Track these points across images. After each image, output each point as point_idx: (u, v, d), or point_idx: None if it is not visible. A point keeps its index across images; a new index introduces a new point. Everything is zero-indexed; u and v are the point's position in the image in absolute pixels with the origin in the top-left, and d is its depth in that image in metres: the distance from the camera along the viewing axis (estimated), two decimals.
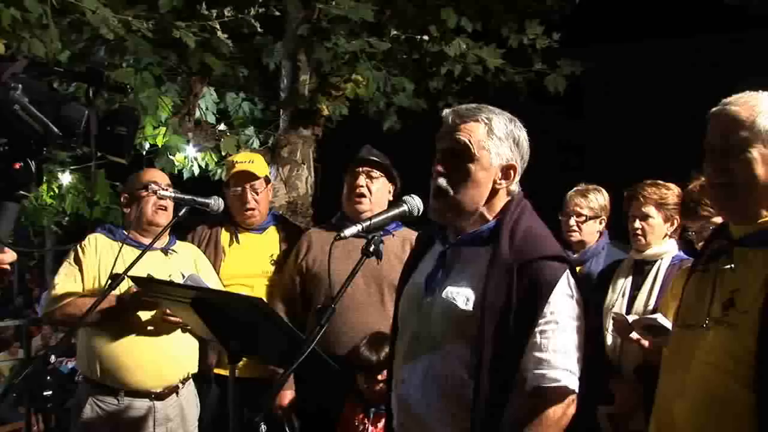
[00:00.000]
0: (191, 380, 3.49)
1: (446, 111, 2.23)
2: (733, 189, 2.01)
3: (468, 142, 2.15)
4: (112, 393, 3.27)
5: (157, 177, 3.49)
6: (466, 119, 2.17)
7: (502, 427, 2.08)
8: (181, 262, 3.47)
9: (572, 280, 2.15)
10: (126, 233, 3.40)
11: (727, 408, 1.92)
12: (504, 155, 2.18)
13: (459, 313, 2.13)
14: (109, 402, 3.27)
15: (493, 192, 2.20)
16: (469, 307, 2.12)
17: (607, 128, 8.32)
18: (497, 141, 2.16)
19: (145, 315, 3.27)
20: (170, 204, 3.42)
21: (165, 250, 3.45)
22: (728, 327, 1.95)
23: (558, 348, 2.09)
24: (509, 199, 2.24)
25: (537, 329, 2.08)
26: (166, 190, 3.35)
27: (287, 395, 3.49)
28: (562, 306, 2.11)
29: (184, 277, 3.34)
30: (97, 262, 3.34)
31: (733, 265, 2.02)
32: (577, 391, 2.10)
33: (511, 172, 2.21)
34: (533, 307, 2.08)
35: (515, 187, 2.24)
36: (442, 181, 2.17)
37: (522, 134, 2.23)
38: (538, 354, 2.08)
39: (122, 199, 3.53)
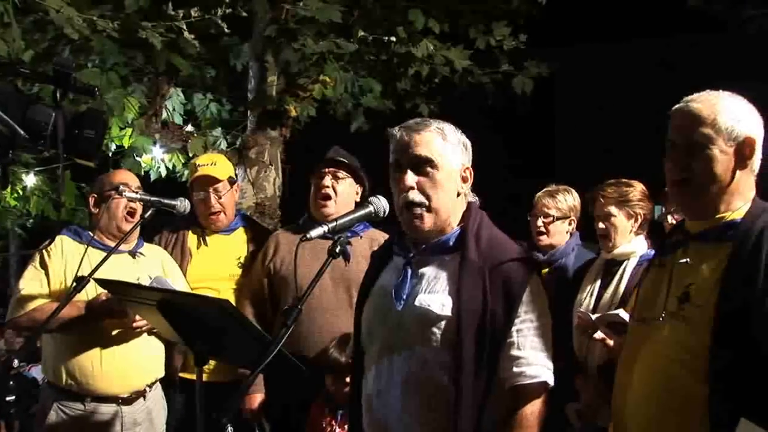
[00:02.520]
0: (158, 384, 3.47)
1: (394, 129, 2.28)
2: (693, 185, 2.05)
3: (430, 153, 2.20)
4: (78, 398, 3.23)
5: (127, 178, 3.45)
6: (420, 131, 2.22)
7: (483, 428, 2.12)
8: (148, 265, 3.44)
9: (539, 278, 2.23)
10: (92, 235, 3.36)
11: (681, 400, 1.97)
12: (459, 160, 2.25)
13: (436, 319, 2.16)
14: (74, 407, 3.24)
15: (457, 197, 2.27)
16: (447, 312, 2.15)
17: (576, 129, 8.41)
18: (452, 147, 2.24)
19: (112, 320, 3.23)
20: (139, 208, 3.38)
21: (132, 253, 3.42)
22: (683, 321, 2.00)
23: (535, 345, 2.15)
24: (467, 207, 2.31)
25: (513, 328, 2.14)
26: (136, 192, 3.31)
27: (257, 397, 3.48)
28: (534, 304, 2.17)
29: (151, 279, 3.31)
30: (64, 265, 3.29)
31: (689, 260, 2.06)
32: (552, 385, 2.17)
33: (468, 174, 2.28)
34: (508, 307, 2.14)
35: (470, 192, 2.32)
36: (415, 195, 2.21)
37: (466, 139, 2.30)
38: (515, 352, 2.14)
39: (90, 200, 3.48)
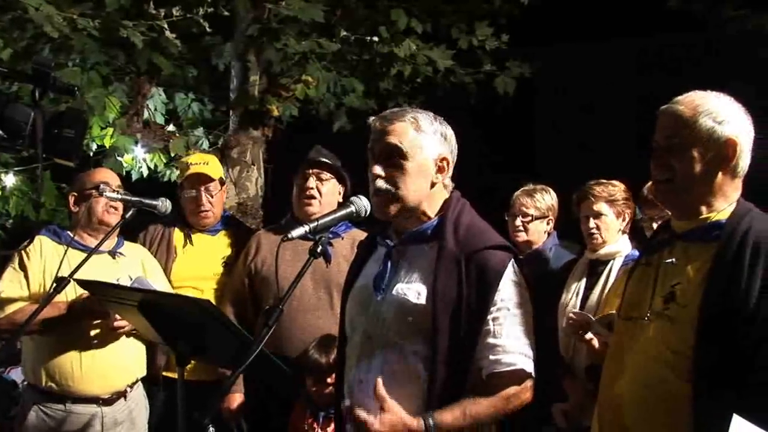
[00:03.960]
0: (140, 384, 3.45)
1: (372, 119, 2.30)
2: (675, 186, 2.07)
3: (399, 142, 2.21)
4: (58, 400, 3.21)
5: (108, 177, 3.43)
6: (394, 121, 2.24)
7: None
8: (128, 265, 3.43)
9: (518, 268, 2.22)
10: (71, 235, 3.33)
11: (666, 399, 1.98)
12: (435, 149, 2.26)
13: (412, 308, 2.17)
14: (55, 409, 3.22)
15: (432, 187, 2.27)
16: (422, 300, 2.16)
17: (556, 129, 8.45)
18: (426, 137, 2.24)
19: (93, 321, 3.21)
20: (120, 205, 3.37)
21: (112, 253, 3.40)
22: (668, 320, 2.02)
23: (511, 333, 2.14)
24: (448, 196, 2.31)
25: (489, 317, 2.14)
26: (116, 192, 3.29)
27: (236, 398, 3.47)
28: (511, 292, 2.17)
29: (131, 279, 3.30)
30: (43, 266, 3.26)
31: (674, 260, 2.08)
32: (533, 375, 2.16)
33: (445, 164, 2.28)
34: (484, 295, 2.14)
35: (449, 182, 2.32)
36: (381, 183, 2.23)
37: (449, 130, 2.31)
38: (492, 340, 2.13)
39: (70, 199, 3.44)
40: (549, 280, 3.61)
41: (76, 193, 3.42)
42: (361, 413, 2.09)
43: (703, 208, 2.07)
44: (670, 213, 2.25)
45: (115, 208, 3.37)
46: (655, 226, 3.11)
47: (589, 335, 3.00)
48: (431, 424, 2.06)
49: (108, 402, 3.28)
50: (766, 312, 1.86)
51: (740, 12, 6.27)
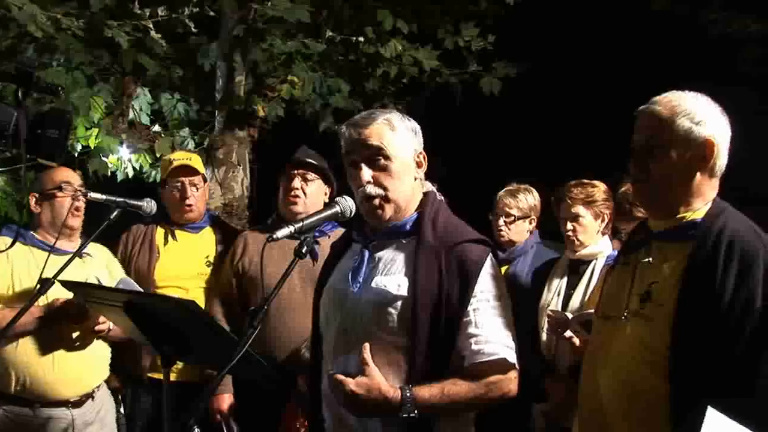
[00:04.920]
0: (104, 383, 3.42)
1: (343, 127, 2.30)
2: (652, 186, 2.09)
3: (381, 144, 2.22)
4: (26, 404, 3.16)
5: (70, 177, 3.37)
6: (368, 125, 2.24)
7: None
8: (95, 265, 3.39)
9: (495, 261, 2.25)
10: (35, 235, 3.30)
11: (644, 397, 2.01)
12: (411, 146, 2.28)
13: (392, 299, 2.17)
14: (22, 414, 3.17)
15: (414, 182, 2.30)
16: (403, 292, 2.16)
17: (539, 128, 8.46)
18: (401, 135, 2.26)
19: (64, 325, 3.17)
20: (83, 206, 3.34)
21: (80, 254, 3.36)
22: (645, 319, 2.04)
23: (492, 324, 2.15)
24: (425, 194, 2.34)
25: (470, 308, 2.15)
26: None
27: (226, 399, 3.47)
28: (491, 285, 2.19)
29: (98, 281, 3.27)
30: (10, 268, 3.20)
31: (651, 259, 2.10)
32: (517, 366, 2.16)
33: (422, 158, 2.31)
34: (464, 286, 2.15)
35: (422, 176, 2.33)
36: (371, 188, 2.23)
37: (416, 125, 2.33)
38: (473, 330, 2.14)
39: (31, 199, 3.37)
40: (529, 279, 3.64)
41: (37, 194, 3.36)
42: (339, 375, 2.12)
43: (682, 208, 2.09)
44: (645, 214, 2.27)
45: (78, 211, 3.34)
46: (624, 233, 3.14)
47: (568, 333, 3.02)
48: (408, 395, 2.07)
49: (77, 404, 3.25)
50: (740, 310, 1.88)
51: (722, 15, 6.32)
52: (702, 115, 2.06)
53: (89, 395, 3.30)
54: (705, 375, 1.89)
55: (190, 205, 3.74)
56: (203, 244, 3.80)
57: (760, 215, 2.08)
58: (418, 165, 2.30)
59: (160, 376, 3.42)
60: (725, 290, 1.90)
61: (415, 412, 2.06)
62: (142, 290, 3.30)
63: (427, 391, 2.08)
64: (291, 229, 2.19)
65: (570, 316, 3.06)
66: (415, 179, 2.30)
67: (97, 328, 3.20)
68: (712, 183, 2.10)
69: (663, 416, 1.94)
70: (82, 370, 3.25)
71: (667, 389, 1.94)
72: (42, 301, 3.06)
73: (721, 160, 2.09)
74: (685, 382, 1.92)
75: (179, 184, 3.72)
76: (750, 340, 1.86)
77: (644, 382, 2.00)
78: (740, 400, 1.80)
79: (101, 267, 3.43)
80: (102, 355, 3.38)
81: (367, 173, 2.23)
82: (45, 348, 3.17)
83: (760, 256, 1.92)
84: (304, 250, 2.15)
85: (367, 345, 2.14)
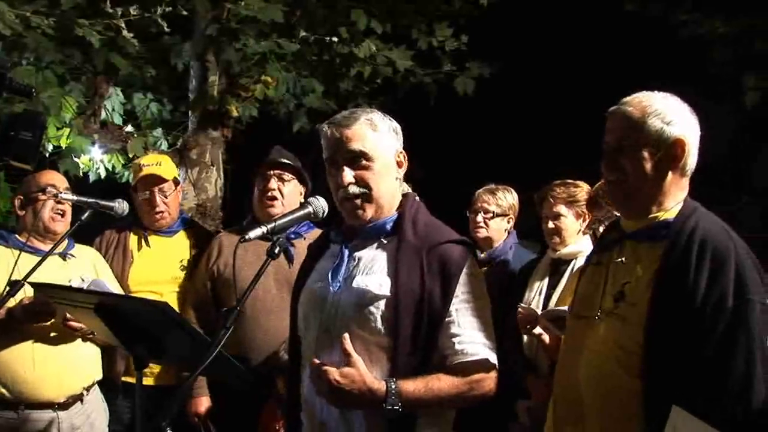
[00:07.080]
0: (96, 387, 3.40)
1: (324, 126, 2.29)
2: (625, 186, 2.11)
3: (363, 146, 2.22)
4: (10, 406, 3.14)
5: (55, 180, 3.38)
6: (350, 126, 2.24)
7: None
8: (79, 267, 3.37)
9: (475, 262, 2.26)
10: (19, 238, 3.27)
11: (618, 396, 2.02)
12: (392, 146, 2.29)
13: (374, 299, 2.16)
14: (6, 416, 3.14)
15: (395, 181, 2.31)
16: (385, 291, 2.16)
17: (513, 128, 8.50)
18: (383, 135, 2.26)
19: (42, 324, 3.14)
20: (68, 209, 3.32)
21: (63, 255, 3.34)
22: (618, 319, 2.05)
23: (474, 324, 2.16)
24: (404, 195, 2.34)
25: (452, 308, 2.16)
26: (66, 193, 3.24)
27: (203, 401, 3.44)
28: (472, 285, 2.19)
29: (83, 281, 3.24)
30: None
31: (623, 259, 2.12)
32: (497, 367, 2.18)
33: (402, 158, 2.32)
34: (446, 286, 2.15)
35: (401, 175, 2.34)
36: (353, 188, 2.22)
37: (397, 125, 2.33)
38: (455, 330, 2.15)
39: (16, 202, 3.38)
40: (507, 277, 3.65)
41: (21, 197, 3.36)
42: (323, 362, 2.11)
43: (654, 208, 2.11)
44: (618, 213, 2.29)
45: (62, 214, 3.33)
46: (602, 228, 3.17)
47: (537, 330, 3.03)
48: (392, 388, 2.06)
49: (64, 406, 3.22)
50: (712, 309, 1.90)
51: (692, 16, 6.38)
52: (672, 115, 2.08)
53: (77, 397, 3.27)
54: (677, 374, 1.91)
55: (160, 212, 3.71)
56: (177, 248, 3.77)
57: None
58: (399, 165, 2.30)
59: (133, 379, 3.41)
60: (698, 290, 1.91)
61: (399, 405, 2.06)
62: (113, 291, 3.27)
63: (411, 385, 2.08)
64: (264, 229, 2.18)
65: (539, 312, 3.08)
66: (396, 179, 2.30)
67: (70, 324, 3.16)
68: (682, 182, 2.12)
69: (637, 414, 1.96)
70: (65, 371, 3.21)
71: (641, 388, 1.96)
72: (12, 303, 3.03)
73: (692, 159, 2.11)
74: (658, 380, 1.93)
75: (147, 193, 3.70)
76: (722, 339, 1.88)
77: (618, 381, 2.02)
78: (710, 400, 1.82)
79: (86, 268, 3.40)
80: (88, 355, 3.34)
81: (348, 174, 2.22)
82: (23, 348, 3.14)
83: (731, 256, 1.94)
84: (276, 251, 2.14)
85: (347, 335, 2.12)
